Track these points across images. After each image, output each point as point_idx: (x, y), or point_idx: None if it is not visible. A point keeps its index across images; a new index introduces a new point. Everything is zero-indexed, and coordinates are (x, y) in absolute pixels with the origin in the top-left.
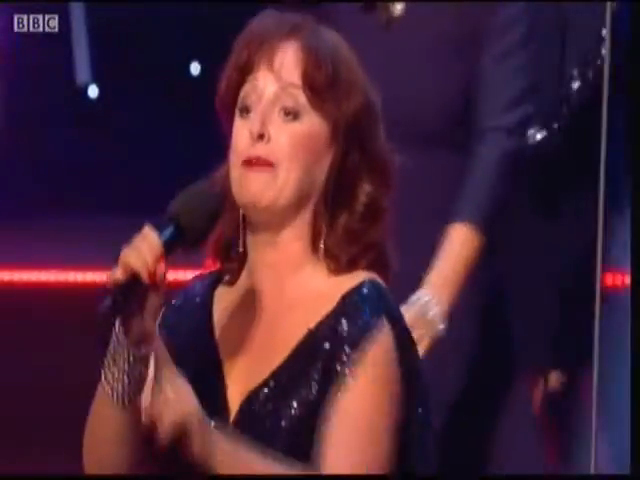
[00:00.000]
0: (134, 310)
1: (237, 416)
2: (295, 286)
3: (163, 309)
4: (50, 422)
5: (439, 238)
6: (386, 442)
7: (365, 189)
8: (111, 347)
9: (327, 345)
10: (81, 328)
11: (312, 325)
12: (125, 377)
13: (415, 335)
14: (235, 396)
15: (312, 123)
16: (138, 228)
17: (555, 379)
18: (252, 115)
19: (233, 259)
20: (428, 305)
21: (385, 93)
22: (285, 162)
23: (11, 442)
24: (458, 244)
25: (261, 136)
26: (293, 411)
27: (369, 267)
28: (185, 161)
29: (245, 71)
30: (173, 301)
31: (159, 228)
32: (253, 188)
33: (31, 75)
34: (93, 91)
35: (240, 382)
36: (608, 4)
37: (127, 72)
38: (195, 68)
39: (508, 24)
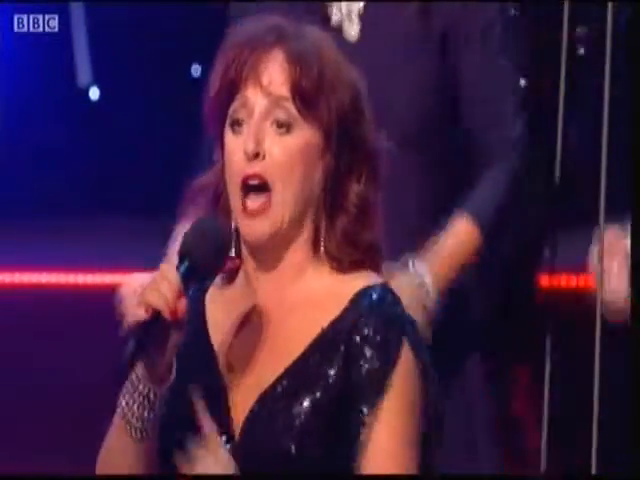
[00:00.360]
0: (156, 348)
1: (249, 416)
2: (297, 288)
3: None
4: (50, 422)
5: (417, 239)
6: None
7: (355, 189)
8: (128, 383)
9: (343, 348)
10: (81, 329)
11: (325, 324)
12: (145, 412)
13: (408, 300)
14: (241, 396)
15: (304, 134)
16: (139, 229)
17: None
18: (244, 130)
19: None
20: (424, 277)
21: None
22: (281, 181)
23: (11, 442)
24: (462, 236)
25: (256, 155)
26: (307, 409)
27: (368, 267)
28: (186, 163)
29: (233, 88)
30: None
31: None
32: (254, 238)
33: (32, 77)
34: (94, 93)
35: (244, 383)
36: (609, 4)
37: (128, 74)
38: (196, 70)
39: (488, 28)
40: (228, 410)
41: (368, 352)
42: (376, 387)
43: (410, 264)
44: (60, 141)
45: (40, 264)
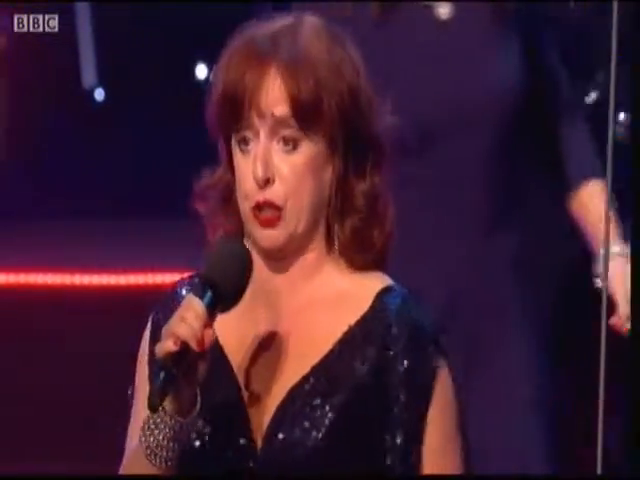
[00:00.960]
0: (184, 380)
1: (276, 416)
2: (313, 287)
3: (153, 315)
4: (50, 422)
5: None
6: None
7: (361, 187)
8: (154, 415)
9: (374, 351)
10: (83, 330)
11: (350, 323)
12: (170, 443)
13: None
14: (259, 398)
15: (310, 147)
16: (145, 230)
17: None
18: (251, 150)
19: None
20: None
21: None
22: (292, 199)
23: (11, 442)
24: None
25: (266, 181)
26: (337, 405)
27: (377, 267)
28: (191, 164)
29: (236, 110)
30: (160, 312)
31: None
32: (268, 244)
33: (37, 78)
34: (99, 94)
35: (264, 383)
36: (615, 3)
37: (133, 75)
38: (201, 71)
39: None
40: (248, 416)
41: (404, 360)
42: (417, 392)
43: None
44: (66, 143)
45: (43, 265)
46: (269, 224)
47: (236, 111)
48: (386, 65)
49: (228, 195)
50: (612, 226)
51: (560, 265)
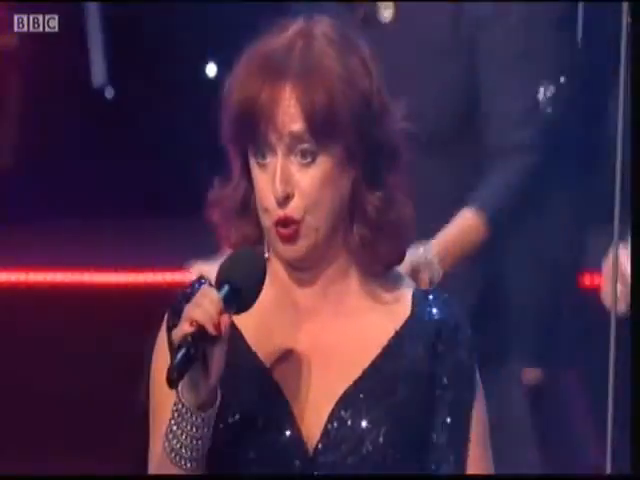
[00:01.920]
0: (202, 365)
1: (331, 421)
2: (342, 293)
3: (169, 311)
4: (50, 422)
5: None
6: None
7: (374, 196)
8: (174, 412)
9: (421, 351)
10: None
11: (397, 326)
12: (194, 442)
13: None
14: (308, 406)
15: (327, 159)
16: (153, 229)
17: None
18: (269, 165)
19: None
20: (430, 254)
21: None
22: (311, 213)
23: (11, 442)
24: (468, 226)
25: (286, 198)
26: (390, 409)
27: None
28: (201, 162)
29: (252, 128)
30: (176, 312)
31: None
32: (290, 258)
33: (47, 77)
34: (109, 93)
35: (305, 389)
36: (624, 4)
37: (143, 74)
38: (211, 69)
39: (505, 32)
40: (295, 421)
41: (462, 353)
42: (468, 385)
43: (420, 247)
44: (75, 141)
45: (50, 265)
46: (289, 240)
47: (253, 129)
48: None
49: (246, 204)
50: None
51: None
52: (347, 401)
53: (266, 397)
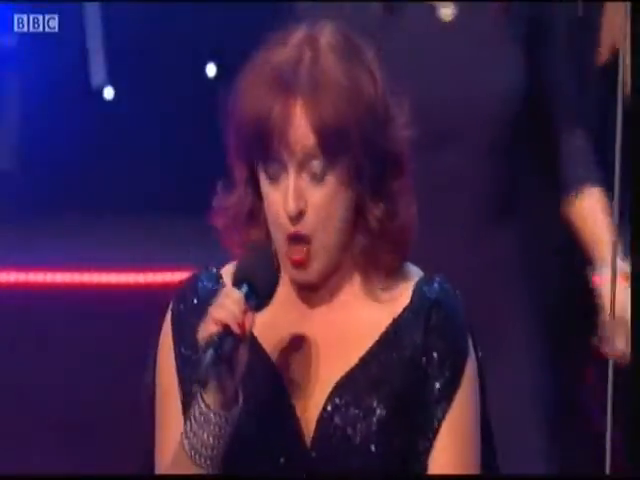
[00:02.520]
0: (227, 365)
1: (324, 413)
2: (344, 291)
3: (172, 307)
4: (50, 422)
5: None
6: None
7: (377, 208)
8: (196, 412)
9: (419, 338)
10: (84, 329)
11: (395, 315)
12: (216, 440)
13: None
14: (303, 392)
15: (337, 175)
16: (154, 228)
17: None
18: (281, 181)
19: None
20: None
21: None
22: (321, 230)
23: (11, 442)
24: (601, 210)
25: (299, 214)
26: (384, 398)
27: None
28: (201, 162)
29: (263, 145)
30: (181, 303)
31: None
32: (302, 279)
33: (46, 78)
34: (109, 93)
35: (306, 378)
36: (627, 4)
37: (142, 74)
38: (211, 69)
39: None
40: (294, 411)
41: (455, 337)
42: (461, 371)
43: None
44: (75, 142)
45: (49, 264)
46: (301, 265)
47: (264, 146)
48: (389, 66)
49: (254, 214)
50: (607, 241)
51: (558, 265)
52: (342, 389)
53: (267, 390)
